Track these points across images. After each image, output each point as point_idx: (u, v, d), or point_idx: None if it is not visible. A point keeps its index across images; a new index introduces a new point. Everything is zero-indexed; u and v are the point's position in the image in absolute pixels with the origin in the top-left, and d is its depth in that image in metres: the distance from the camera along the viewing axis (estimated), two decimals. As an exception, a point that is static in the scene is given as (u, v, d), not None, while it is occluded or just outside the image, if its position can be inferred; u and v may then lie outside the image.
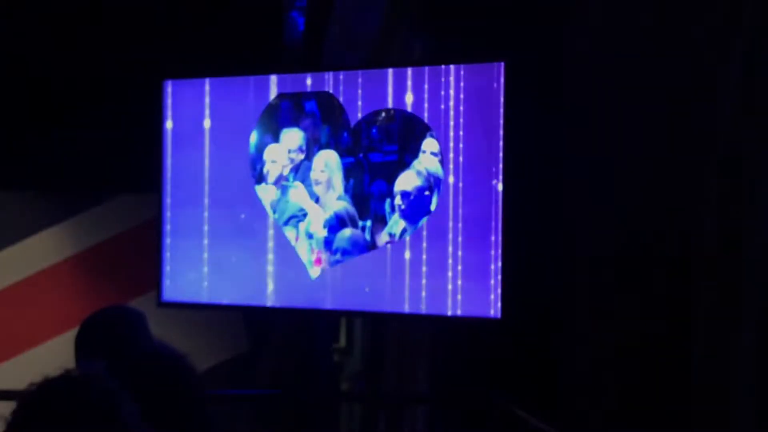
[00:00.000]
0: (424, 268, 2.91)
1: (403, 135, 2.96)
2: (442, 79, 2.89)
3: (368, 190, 3.00)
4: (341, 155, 3.04)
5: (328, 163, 3.06)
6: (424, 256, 2.92)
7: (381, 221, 2.98)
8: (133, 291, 3.73)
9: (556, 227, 2.94)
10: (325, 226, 3.07)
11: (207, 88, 3.20)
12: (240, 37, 3.61)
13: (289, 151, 3.12)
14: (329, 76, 3.05)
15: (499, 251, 2.81)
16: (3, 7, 3.68)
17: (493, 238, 2.82)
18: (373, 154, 2.99)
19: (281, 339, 3.78)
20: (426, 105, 2.91)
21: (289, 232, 3.12)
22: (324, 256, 3.07)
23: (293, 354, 3.64)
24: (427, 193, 2.92)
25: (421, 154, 2.93)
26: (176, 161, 3.26)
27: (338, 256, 3.05)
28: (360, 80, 3.00)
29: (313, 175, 3.08)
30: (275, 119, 3.14)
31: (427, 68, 2.92)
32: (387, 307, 2.98)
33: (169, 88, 3.26)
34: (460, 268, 2.86)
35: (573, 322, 2.91)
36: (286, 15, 3.76)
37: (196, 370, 1.99)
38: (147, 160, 3.33)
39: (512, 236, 2.81)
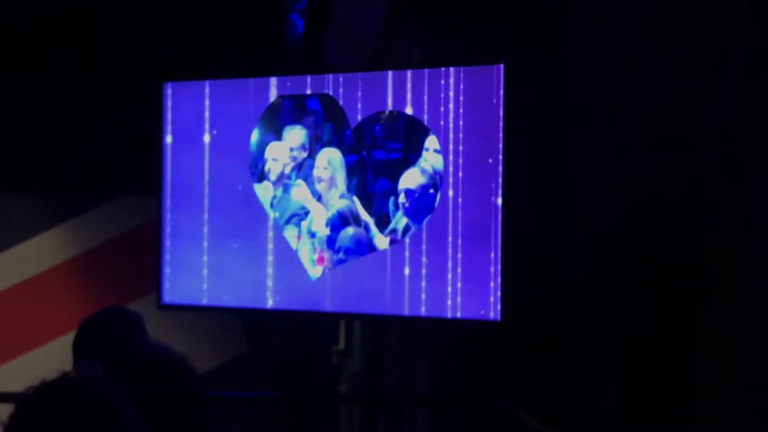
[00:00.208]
0: (423, 271, 2.90)
1: (407, 132, 2.94)
2: (442, 82, 2.87)
3: (371, 189, 2.98)
4: (344, 153, 3.02)
5: (331, 160, 3.04)
6: (423, 259, 2.90)
7: (384, 220, 2.96)
8: (132, 293, 3.72)
9: (556, 229, 2.92)
10: (327, 225, 3.05)
11: (207, 90, 3.19)
12: (240, 39, 3.60)
13: (292, 149, 3.10)
14: (329, 79, 3.04)
15: (499, 253, 2.79)
16: (3, 8, 3.67)
17: (492, 240, 2.80)
18: (377, 151, 2.97)
19: (280, 341, 3.77)
20: (426, 107, 2.90)
21: (290, 232, 3.11)
22: (327, 255, 3.05)
23: (292, 356, 3.63)
24: (431, 191, 2.90)
25: (424, 152, 2.91)
26: (176, 163, 3.24)
27: (341, 255, 3.04)
28: (360, 82, 2.99)
29: (316, 172, 3.06)
30: (277, 117, 3.12)
31: (426, 71, 2.91)
32: (387, 310, 2.97)
33: (169, 90, 3.24)
34: (459, 270, 2.84)
35: (573, 323, 2.89)
36: (286, 17, 3.75)
37: (196, 371, 1.98)
38: (147, 162, 3.32)
39: (512, 238, 2.79)
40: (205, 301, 3.20)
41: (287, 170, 3.10)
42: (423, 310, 2.90)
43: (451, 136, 2.86)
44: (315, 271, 3.08)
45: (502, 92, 2.79)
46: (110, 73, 3.76)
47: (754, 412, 2.22)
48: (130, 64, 3.71)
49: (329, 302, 3.05)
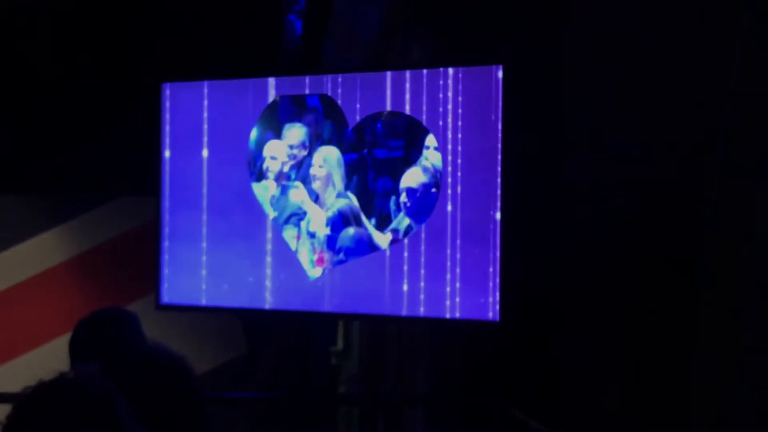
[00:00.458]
0: (422, 271, 2.89)
1: (408, 130, 2.92)
2: (441, 82, 2.87)
3: (372, 188, 2.97)
4: (344, 152, 3.01)
5: (327, 158, 3.03)
6: (422, 259, 2.89)
7: (386, 219, 2.94)
8: (131, 294, 3.70)
9: (556, 229, 2.91)
10: (327, 225, 3.03)
11: (205, 91, 3.18)
12: (238, 40, 3.59)
13: (291, 147, 3.08)
14: (327, 79, 3.03)
15: (498, 253, 2.78)
16: (2, 8, 3.65)
17: (491, 240, 2.79)
18: (378, 150, 2.96)
19: (279, 341, 3.75)
20: (424, 107, 2.89)
21: (290, 232, 3.09)
22: (327, 255, 3.04)
23: (291, 356, 3.61)
24: (434, 190, 2.88)
25: (425, 150, 2.89)
26: (175, 164, 3.23)
27: (341, 256, 3.02)
28: (358, 83, 2.98)
29: (312, 170, 3.05)
30: (277, 115, 3.10)
31: (425, 71, 2.90)
32: (385, 310, 2.95)
33: (167, 91, 3.23)
34: (458, 270, 2.83)
35: (572, 323, 2.88)
36: (285, 18, 3.73)
37: (195, 372, 1.96)
38: (146, 162, 3.30)
39: (511, 238, 2.78)
40: (203, 302, 3.18)
41: (286, 169, 3.08)
42: (422, 311, 2.89)
43: (449, 136, 2.85)
44: (314, 272, 3.06)
45: (500, 93, 2.78)
46: (109, 73, 3.75)
47: (754, 412, 2.21)
48: (129, 64, 3.69)
49: (328, 302, 3.03)
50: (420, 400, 3.46)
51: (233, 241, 3.14)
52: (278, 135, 3.10)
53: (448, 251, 2.85)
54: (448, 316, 2.85)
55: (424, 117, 2.89)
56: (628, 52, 2.67)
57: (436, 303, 2.86)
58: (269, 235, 3.11)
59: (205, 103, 3.19)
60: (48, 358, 3.71)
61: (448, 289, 2.85)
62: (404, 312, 2.92)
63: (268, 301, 3.10)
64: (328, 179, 3.02)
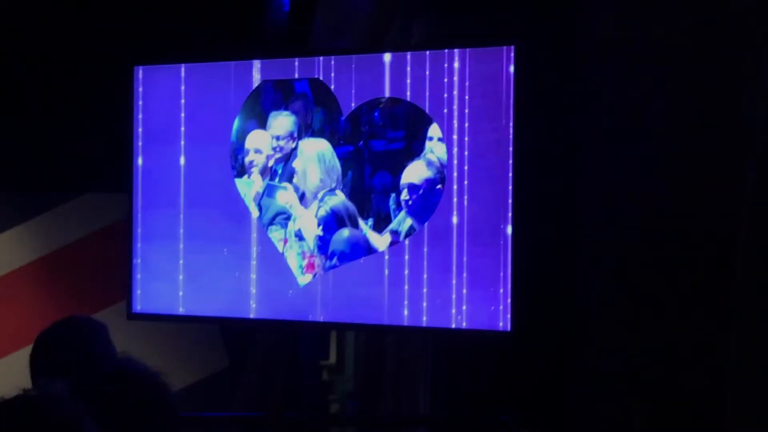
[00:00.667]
0: (425, 275, 2.89)
1: (410, 119, 2.91)
2: (445, 66, 2.86)
3: (369, 184, 2.96)
4: (337, 144, 3.00)
5: (303, 151, 3.02)
6: (424, 262, 2.89)
7: (384, 220, 2.94)
8: (100, 301, 3.70)
9: (574, 228, 2.91)
10: (319, 224, 3.02)
11: (182, 74, 3.17)
12: (219, 18, 3.58)
13: (277, 138, 3.08)
14: (318, 62, 3.02)
15: (509, 256, 2.78)
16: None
17: (502, 241, 2.79)
18: (375, 141, 2.95)
19: (264, 355, 3.75)
20: (427, 94, 2.89)
21: (276, 234, 3.08)
22: (317, 261, 3.03)
23: (278, 372, 3.60)
24: (439, 186, 2.87)
25: (428, 142, 2.88)
26: (148, 156, 3.22)
27: (335, 261, 3.01)
28: (353, 66, 2.97)
29: (293, 164, 3.04)
30: (262, 102, 3.10)
31: (428, 53, 2.90)
32: (383, 319, 2.95)
33: (139, 74, 3.22)
34: (465, 275, 2.84)
35: (592, 336, 2.87)
36: (270, -6, 3.72)
37: (170, 389, 1.98)
38: (115, 155, 3.30)
39: (524, 239, 2.78)
40: (180, 311, 3.18)
41: (271, 163, 3.08)
42: (424, 320, 2.89)
43: (455, 125, 2.86)
44: (303, 279, 3.06)
45: (512, 77, 2.78)
46: (74, 57, 3.73)
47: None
48: (95, 46, 3.68)
49: (319, 311, 3.04)
50: (421, 420, 3.46)
51: (214, 242, 3.13)
52: (263, 124, 3.10)
53: (454, 253, 2.85)
54: (453, 326, 2.85)
55: (426, 104, 2.89)
56: (657, 30, 2.67)
57: (441, 311, 2.86)
58: (254, 235, 3.11)
59: (182, 88, 3.18)
60: (6, 374, 3.71)
61: (453, 296, 2.85)
62: (405, 322, 2.92)
63: (253, 310, 3.10)
64: (303, 175, 3.01)
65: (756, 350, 2.32)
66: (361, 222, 2.96)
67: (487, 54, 2.83)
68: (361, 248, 2.97)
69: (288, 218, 3.06)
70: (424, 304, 2.89)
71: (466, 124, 2.84)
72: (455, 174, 2.85)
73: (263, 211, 3.10)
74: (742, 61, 2.39)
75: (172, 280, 3.18)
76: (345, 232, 2.98)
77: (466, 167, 2.84)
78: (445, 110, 2.86)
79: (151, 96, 3.22)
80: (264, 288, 3.09)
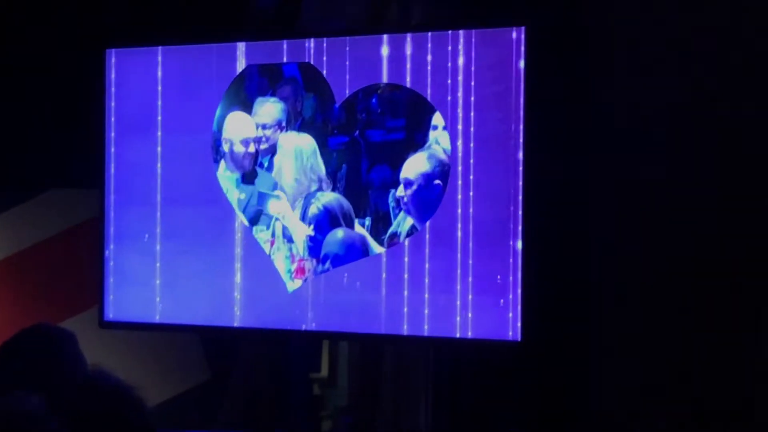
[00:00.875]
0: (426, 280, 2.90)
1: (411, 107, 2.92)
2: (449, 48, 2.88)
3: (367, 179, 2.97)
4: (331, 133, 3.01)
5: (282, 144, 3.04)
6: (427, 265, 2.90)
7: (383, 218, 2.95)
8: (68, 308, 3.69)
9: (589, 229, 2.92)
10: (310, 223, 3.03)
11: (159, 58, 3.19)
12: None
13: (263, 127, 3.08)
14: (309, 44, 3.04)
15: (519, 259, 2.79)
16: None
17: (511, 242, 2.80)
18: (373, 131, 2.96)
19: (250, 367, 3.75)
20: (429, 80, 2.90)
21: (262, 234, 3.09)
22: (308, 265, 3.04)
23: (264, 386, 3.61)
24: (438, 181, 2.88)
25: (432, 131, 2.89)
26: (121, 148, 3.23)
27: (327, 266, 3.02)
28: (347, 49, 2.99)
29: (275, 158, 3.06)
30: (246, 88, 3.11)
31: (429, 35, 2.91)
32: (381, 328, 2.97)
33: (112, 59, 3.24)
34: (470, 279, 2.85)
35: (610, 344, 2.89)
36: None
37: (146, 404, 1.98)
38: (84, 147, 3.31)
39: (535, 240, 2.79)
40: (157, 318, 3.20)
41: (251, 148, 3.09)
42: (426, 329, 2.91)
43: (460, 114, 2.87)
44: (293, 284, 3.07)
45: (522, 61, 2.79)
46: (37, 38, 3.72)
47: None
48: (62, 27, 3.67)
49: (310, 319, 3.05)
50: (422, 438, 3.46)
51: (194, 243, 3.15)
52: (248, 111, 3.11)
53: (459, 256, 2.86)
54: (458, 335, 2.87)
55: (428, 91, 2.91)
56: (680, 8, 2.69)
57: (444, 319, 2.88)
58: (238, 236, 3.12)
59: (159, 73, 3.19)
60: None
61: (458, 302, 2.86)
62: (404, 331, 2.94)
63: (237, 317, 3.12)
64: (279, 173, 3.04)
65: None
66: (357, 221, 2.97)
67: (495, 36, 2.84)
68: (358, 250, 2.97)
69: (273, 218, 3.07)
70: (426, 311, 2.90)
71: (472, 114, 2.86)
72: (460, 168, 2.86)
73: (249, 209, 3.10)
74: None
75: (148, 284, 3.19)
76: (339, 233, 2.99)
77: (471, 160, 2.86)
78: (449, 98, 2.88)
79: (124, 82, 3.23)
80: (249, 293, 3.10)
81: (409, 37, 2.94)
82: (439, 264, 2.89)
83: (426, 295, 2.90)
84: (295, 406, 3.75)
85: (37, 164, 3.76)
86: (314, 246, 3.03)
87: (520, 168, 2.79)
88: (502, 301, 2.81)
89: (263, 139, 3.09)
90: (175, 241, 3.17)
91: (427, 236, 2.91)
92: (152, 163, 3.19)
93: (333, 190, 3.01)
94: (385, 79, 2.95)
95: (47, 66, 3.66)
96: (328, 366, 4.20)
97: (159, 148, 3.19)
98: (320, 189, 3.01)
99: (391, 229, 2.95)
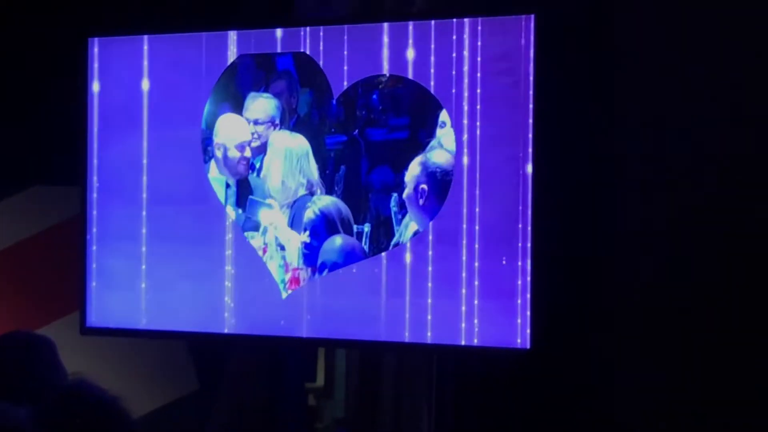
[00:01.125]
0: (429, 284, 2.90)
1: (416, 102, 2.91)
2: (454, 37, 2.87)
3: (367, 181, 2.96)
4: (329, 131, 3.00)
5: (272, 143, 3.03)
6: (430, 268, 2.90)
7: (385, 224, 2.94)
8: (47, 313, 3.69)
9: (605, 227, 2.91)
10: (306, 229, 3.02)
11: (145, 48, 3.18)
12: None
13: (255, 123, 3.08)
14: (305, 33, 3.03)
15: (528, 261, 2.79)
16: None
17: (520, 243, 2.80)
18: (374, 129, 2.95)
19: (241, 376, 3.74)
20: (432, 71, 2.89)
21: (254, 240, 3.08)
22: (303, 274, 3.03)
23: (256, 396, 3.61)
24: (447, 178, 2.87)
25: (439, 129, 2.88)
26: (105, 144, 3.23)
27: (325, 275, 3.01)
28: (345, 38, 2.98)
29: (265, 158, 3.05)
30: (237, 82, 3.11)
31: (433, 22, 2.90)
32: (380, 335, 2.97)
33: (94, 47, 3.24)
34: (476, 283, 2.85)
35: (626, 353, 2.88)
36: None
37: (131, 416, 1.97)
38: (66, 142, 3.30)
39: (545, 241, 2.78)
40: (143, 324, 3.20)
41: (247, 153, 3.08)
42: (429, 336, 2.91)
43: (465, 108, 2.87)
44: (286, 292, 3.06)
45: (532, 50, 2.79)
46: (15, 27, 3.72)
47: None
48: (42, 16, 3.67)
49: (305, 325, 3.05)
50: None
51: (182, 244, 3.15)
52: (239, 109, 3.10)
53: (464, 258, 2.86)
54: (463, 342, 2.86)
55: (431, 83, 2.90)
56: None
57: (448, 326, 2.87)
58: (229, 236, 3.12)
59: (145, 63, 3.18)
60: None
61: (463, 307, 2.86)
62: (406, 337, 2.93)
63: (228, 324, 3.11)
64: (267, 174, 3.03)
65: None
66: (356, 228, 2.96)
67: (503, 24, 2.83)
68: (358, 259, 2.97)
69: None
70: (429, 316, 2.90)
71: (478, 107, 2.85)
72: (465, 165, 2.85)
73: (239, 211, 3.10)
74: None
75: (133, 288, 3.19)
76: (337, 240, 2.98)
77: (477, 156, 2.85)
78: (454, 90, 2.88)
79: (108, 73, 3.23)
80: (241, 298, 3.10)
81: (411, 25, 2.93)
82: (442, 266, 2.88)
83: (429, 300, 2.90)
84: (289, 418, 3.74)
85: (18, 159, 3.76)
86: (310, 254, 3.02)
87: (530, 165, 2.78)
88: (510, 305, 2.80)
89: (255, 135, 3.08)
90: (162, 242, 3.17)
91: (430, 237, 2.90)
92: (138, 159, 3.19)
93: (330, 193, 2.99)
94: (385, 70, 2.95)
95: (27, 56, 3.66)
96: (324, 375, 4.19)
97: (145, 143, 3.19)
98: (310, 194, 3.00)
99: (394, 239, 2.93)
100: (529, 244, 2.79)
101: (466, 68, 2.87)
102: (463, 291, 2.86)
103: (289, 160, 3.03)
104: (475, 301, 2.85)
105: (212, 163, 3.13)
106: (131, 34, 3.21)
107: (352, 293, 2.99)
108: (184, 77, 3.15)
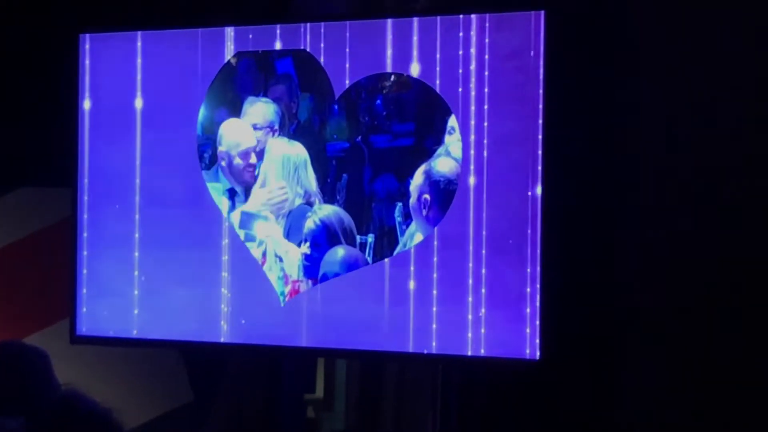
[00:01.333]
0: (434, 291, 2.89)
1: (423, 107, 2.91)
2: (460, 34, 2.87)
3: (370, 190, 2.95)
4: (330, 138, 3.00)
5: (270, 149, 3.03)
6: (434, 275, 2.89)
7: (389, 235, 2.94)
8: (36, 321, 3.69)
9: (614, 233, 2.91)
10: (305, 240, 3.01)
11: (139, 44, 3.18)
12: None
13: (255, 128, 3.08)
14: (306, 30, 3.03)
15: (538, 268, 2.79)
16: None
17: (528, 249, 2.79)
18: (378, 136, 2.95)
19: (237, 387, 3.75)
20: (438, 69, 2.89)
21: (255, 251, 3.08)
22: (303, 286, 3.03)
23: (253, 408, 3.61)
24: (453, 186, 2.87)
25: (447, 136, 2.88)
26: (96, 144, 3.23)
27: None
28: (347, 34, 2.98)
29: (261, 165, 3.06)
30: (235, 86, 3.11)
31: (438, 19, 2.91)
32: (382, 345, 2.97)
33: (86, 44, 3.24)
34: (483, 291, 2.84)
35: (637, 362, 2.87)
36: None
37: (123, 428, 2.01)
38: (56, 142, 3.30)
39: (555, 248, 2.78)
40: (135, 333, 3.19)
41: (252, 159, 3.09)
42: (434, 346, 2.90)
43: (472, 109, 2.87)
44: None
45: (542, 48, 2.79)
46: (3, 25, 3.73)
47: None
48: (30, 11, 3.68)
49: (304, 334, 3.05)
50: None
51: (177, 250, 3.14)
52: (236, 112, 3.10)
53: (470, 265, 2.86)
54: (469, 353, 2.86)
55: (437, 82, 2.91)
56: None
57: (454, 335, 2.87)
58: (225, 241, 3.11)
59: (139, 61, 3.19)
60: None
61: (469, 316, 2.86)
62: (409, 348, 2.93)
63: (224, 333, 3.11)
64: (263, 181, 3.03)
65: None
66: (359, 239, 2.95)
67: (512, 21, 2.83)
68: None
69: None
70: (434, 325, 2.90)
71: (486, 107, 2.85)
72: (472, 167, 2.85)
73: (238, 220, 3.11)
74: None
75: (125, 295, 3.18)
76: (339, 251, 2.98)
77: (485, 159, 2.85)
78: (460, 89, 2.87)
79: (100, 71, 3.23)
80: (237, 306, 3.09)
81: (415, 21, 2.93)
82: (448, 273, 2.88)
83: (434, 308, 2.89)
84: (288, 430, 3.73)
85: (6, 160, 3.76)
86: (311, 266, 3.02)
87: (539, 167, 2.78)
88: (518, 314, 2.80)
89: (254, 141, 3.09)
90: (155, 247, 3.16)
91: (435, 242, 2.90)
92: (131, 160, 3.19)
93: (332, 202, 2.99)
94: (389, 68, 2.95)
95: (18, 54, 3.67)
96: (323, 386, 4.19)
97: (138, 144, 3.19)
98: (308, 204, 3.00)
99: (398, 249, 2.93)
100: (538, 250, 2.78)
101: (473, 66, 2.86)
102: (470, 299, 2.85)
103: (286, 169, 3.03)
104: (482, 310, 2.85)
105: (209, 165, 3.12)
106: (124, 30, 3.21)
107: (353, 301, 2.99)
108: (179, 75, 3.15)
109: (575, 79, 2.87)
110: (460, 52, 2.87)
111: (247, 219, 3.08)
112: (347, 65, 2.98)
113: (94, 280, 3.23)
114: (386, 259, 2.94)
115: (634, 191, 2.91)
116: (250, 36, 3.09)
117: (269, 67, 3.07)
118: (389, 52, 2.95)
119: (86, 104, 3.24)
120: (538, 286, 2.78)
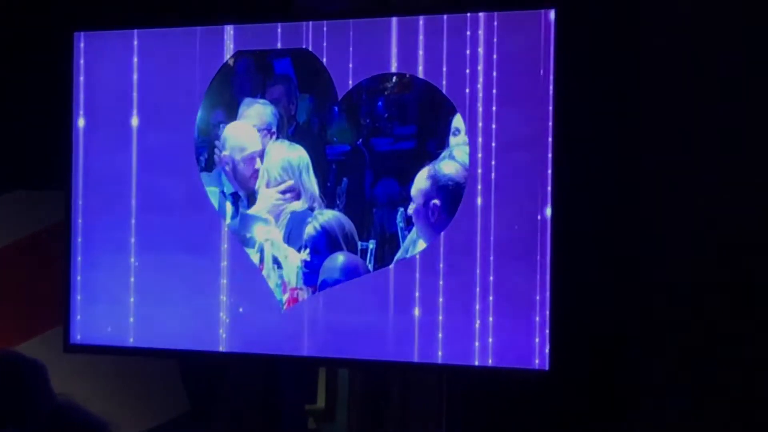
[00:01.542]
0: (440, 299, 2.90)
1: (426, 107, 2.91)
2: (468, 33, 2.87)
3: (371, 194, 2.96)
4: (330, 141, 3.00)
5: (269, 152, 3.04)
6: (440, 282, 2.90)
7: (390, 241, 2.94)
8: (28, 328, 3.69)
9: (628, 239, 2.91)
10: (305, 246, 3.02)
11: (135, 43, 3.19)
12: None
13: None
14: (307, 28, 3.04)
15: (547, 275, 2.79)
16: None
17: (538, 256, 2.80)
18: (379, 139, 2.95)
19: (235, 397, 3.75)
20: (444, 69, 2.89)
21: (254, 257, 3.09)
22: (302, 294, 3.03)
23: (252, 418, 3.61)
24: (460, 190, 2.87)
25: (451, 138, 2.88)
26: (91, 146, 3.23)
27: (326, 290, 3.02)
28: (351, 33, 2.99)
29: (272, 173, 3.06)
30: (232, 87, 3.11)
31: (445, 17, 2.91)
32: (386, 354, 2.97)
33: (81, 43, 3.24)
34: (491, 299, 2.85)
35: (650, 372, 2.88)
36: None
37: None
38: (49, 144, 3.31)
39: (565, 255, 2.78)
40: (131, 342, 3.19)
41: (258, 164, 3.09)
42: (440, 355, 2.90)
43: (479, 109, 2.87)
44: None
45: (552, 48, 2.79)
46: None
47: None
48: (23, 8, 3.69)
49: (305, 343, 3.05)
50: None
51: (174, 256, 3.15)
52: (233, 114, 3.10)
53: (478, 272, 2.86)
54: (477, 363, 2.86)
55: (443, 82, 2.90)
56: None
57: (461, 344, 2.87)
58: (224, 247, 3.11)
59: (135, 60, 3.19)
60: None
61: (477, 324, 2.86)
62: (414, 357, 2.93)
63: (222, 341, 3.11)
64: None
65: None
66: (360, 245, 2.96)
67: (521, 19, 2.84)
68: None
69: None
70: (440, 334, 2.90)
71: (494, 108, 2.85)
72: (479, 170, 2.86)
73: (236, 225, 3.10)
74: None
75: (121, 303, 3.18)
76: (339, 258, 2.98)
77: (493, 162, 2.85)
78: (467, 90, 2.88)
79: (95, 70, 3.23)
80: (236, 314, 3.09)
81: (421, 20, 2.93)
82: (454, 281, 2.88)
83: (440, 317, 2.90)
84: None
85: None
86: (310, 273, 3.02)
87: (549, 171, 2.78)
88: (527, 323, 2.80)
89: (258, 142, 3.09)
90: (152, 252, 3.17)
91: (441, 249, 2.90)
92: (127, 163, 3.19)
93: (332, 207, 3.00)
94: (394, 68, 2.95)
95: (11, 53, 3.67)
96: (325, 397, 4.20)
97: (134, 146, 3.19)
98: (310, 208, 3.00)
99: (398, 255, 2.93)
100: (548, 258, 2.79)
101: (480, 66, 2.87)
102: (477, 307, 2.86)
103: (287, 173, 3.03)
104: (490, 318, 2.85)
105: (207, 167, 3.13)
106: (120, 28, 3.21)
107: (356, 309, 2.99)
108: (176, 75, 3.15)
109: (587, 78, 2.87)
110: (467, 52, 2.87)
111: (245, 221, 3.08)
112: (350, 66, 2.98)
113: (88, 287, 3.23)
114: (390, 266, 2.95)
115: (645, 196, 2.91)
116: (250, 35, 3.09)
117: (267, 68, 3.07)
118: (394, 51, 2.95)
119: (81, 105, 3.24)
120: (548, 294, 2.78)
